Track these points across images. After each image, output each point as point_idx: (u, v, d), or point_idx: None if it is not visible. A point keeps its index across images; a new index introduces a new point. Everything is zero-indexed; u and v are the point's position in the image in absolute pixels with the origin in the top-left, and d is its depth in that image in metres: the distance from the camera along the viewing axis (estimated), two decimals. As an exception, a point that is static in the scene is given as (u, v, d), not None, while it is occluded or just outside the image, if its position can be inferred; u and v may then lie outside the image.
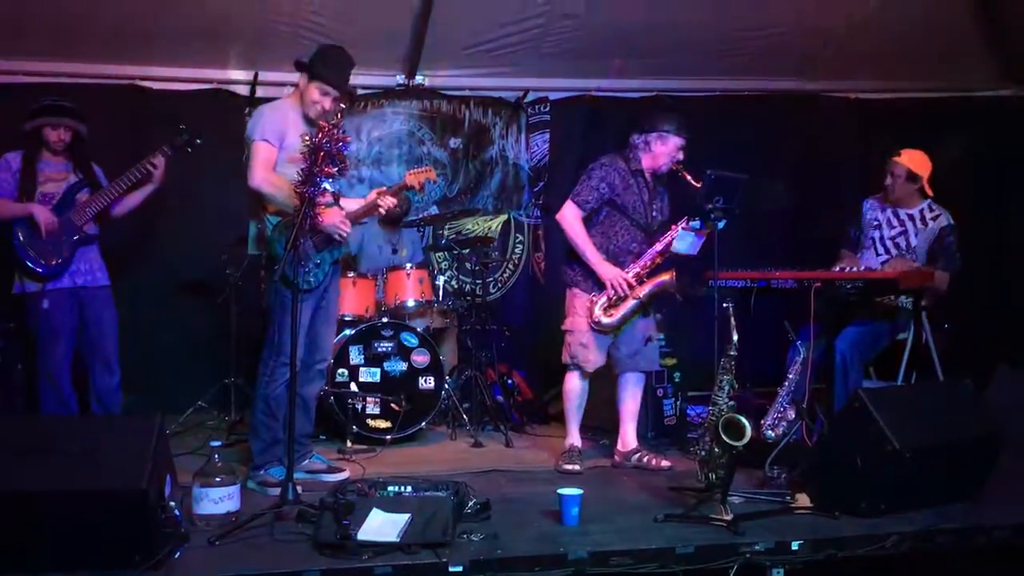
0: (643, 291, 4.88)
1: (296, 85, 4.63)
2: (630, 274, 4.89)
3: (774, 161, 7.33)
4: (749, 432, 3.86)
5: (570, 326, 5.06)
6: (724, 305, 4.33)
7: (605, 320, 4.93)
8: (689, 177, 4.87)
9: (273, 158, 4.46)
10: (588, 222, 5.05)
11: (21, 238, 4.97)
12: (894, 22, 6.23)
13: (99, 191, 5.13)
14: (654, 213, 5.07)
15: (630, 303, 4.90)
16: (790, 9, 6.15)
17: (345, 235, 4.58)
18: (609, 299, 4.93)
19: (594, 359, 5.01)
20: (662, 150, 4.98)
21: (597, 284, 4.95)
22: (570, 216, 5.01)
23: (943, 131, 6.72)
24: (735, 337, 4.21)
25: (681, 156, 4.98)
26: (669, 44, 6.56)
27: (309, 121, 4.58)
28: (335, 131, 4.05)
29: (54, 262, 5.00)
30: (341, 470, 4.81)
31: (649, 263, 4.92)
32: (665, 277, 4.87)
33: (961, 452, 4.12)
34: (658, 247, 4.93)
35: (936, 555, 3.79)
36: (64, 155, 5.18)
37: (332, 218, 4.45)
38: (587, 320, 4.97)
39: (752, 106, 7.39)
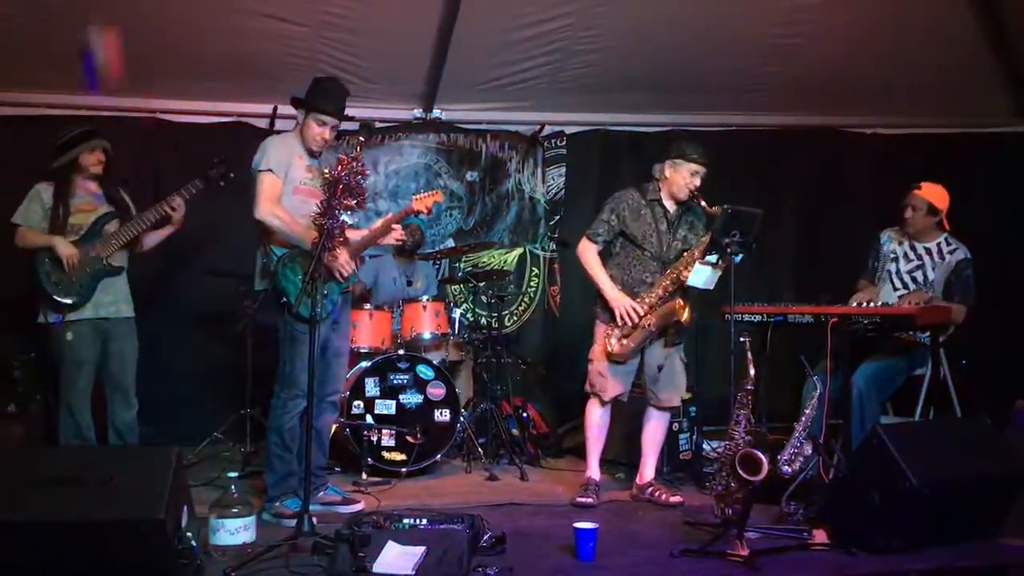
0: (652, 320, 4.89)
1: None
2: (643, 304, 4.91)
3: (790, 195, 7.35)
4: (766, 467, 3.85)
5: (591, 355, 5.10)
6: (740, 339, 4.33)
7: (617, 349, 4.95)
8: (704, 203, 4.88)
9: (278, 189, 4.52)
10: (607, 255, 5.12)
11: (45, 269, 4.98)
12: (910, 58, 6.25)
13: (126, 224, 5.15)
14: (674, 242, 5.05)
15: (641, 333, 4.91)
16: (806, 46, 6.18)
17: (344, 277, 4.62)
18: (621, 329, 4.95)
19: (611, 389, 5.02)
20: (675, 177, 4.99)
21: (614, 315, 4.98)
22: (583, 250, 5.12)
23: (958, 166, 6.74)
24: (752, 371, 4.21)
25: (696, 183, 4.97)
26: (686, 80, 6.60)
27: (313, 154, 4.63)
28: (354, 164, 4.09)
29: (77, 294, 5.00)
30: (356, 501, 4.82)
31: (661, 292, 4.92)
32: (670, 306, 4.87)
33: (979, 489, 4.09)
34: (670, 276, 4.93)
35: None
36: (96, 185, 5.21)
37: (338, 257, 4.49)
38: (603, 349, 5.00)
39: (768, 141, 7.42)
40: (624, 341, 4.95)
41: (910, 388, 5.28)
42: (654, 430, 5.16)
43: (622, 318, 4.91)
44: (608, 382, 5.02)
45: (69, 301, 4.99)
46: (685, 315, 4.82)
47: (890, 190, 5.86)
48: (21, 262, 5.07)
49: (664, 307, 4.87)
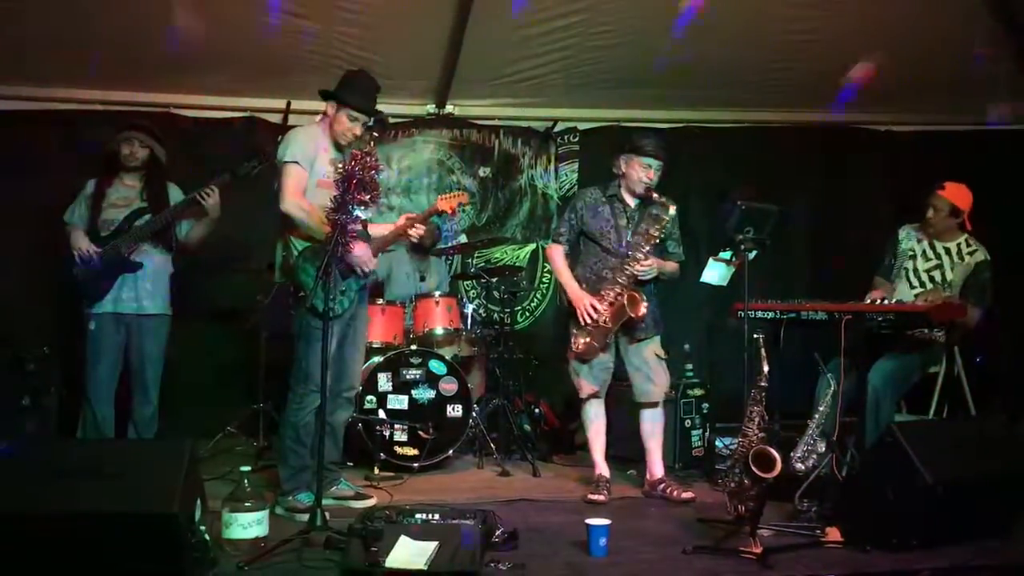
0: (608, 316, 4.89)
1: (325, 112, 4.69)
2: (603, 301, 4.91)
3: (804, 192, 7.33)
4: (779, 464, 3.84)
5: (567, 355, 5.14)
6: (754, 336, 4.32)
7: (582, 348, 5.00)
8: (655, 195, 4.91)
9: (304, 182, 4.50)
10: (575, 254, 5.19)
11: (75, 262, 5.11)
12: (925, 55, 6.21)
13: (148, 221, 5.18)
14: (634, 237, 5.01)
15: (600, 330, 4.93)
16: (821, 42, 6.14)
17: (367, 271, 4.63)
18: (583, 328, 4.97)
19: (586, 387, 5.08)
20: (630, 172, 5.02)
21: None
22: (549, 251, 5.28)
23: (973, 164, 6.70)
24: (765, 368, 4.19)
25: (650, 176, 4.97)
26: (699, 76, 6.58)
27: (338, 147, 4.62)
28: (367, 159, 4.08)
29: (95, 287, 5.09)
30: (368, 496, 4.82)
31: (619, 288, 4.91)
32: (621, 302, 4.86)
33: (995, 487, 4.06)
34: (624, 271, 4.91)
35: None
36: (136, 179, 5.24)
37: (360, 251, 4.48)
38: (572, 348, 5.05)
39: (783, 137, 7.39)
40: (587, 340, 4.98)
41: (924, 386, 5.26)
42: (650, 428, 5.14)
43: (581, 316, 4.95)
44: (582, 380, 5.08)
45: (93, 297, 5.09)
46: (640, 310, 4.82)
47: (904, 187, 5.85)
48: (37, 256, 5.13)
49: (617, 303, 4.86)
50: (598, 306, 4.91)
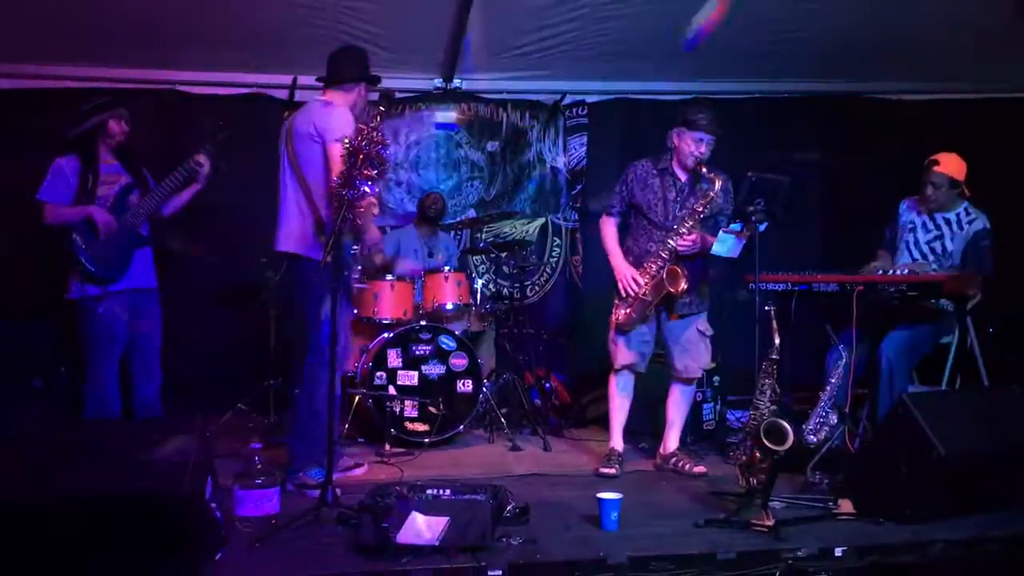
0: (648, 290, 4.88)
1: (339, 92, 4.69)
2: (645, 274, 4.90)
3: (815, 163, 7.27)
4: (791, 437, 3.82)
5: (610, 324, 5.11)
6: (765, 308, 4.30)
7: (621, 319, 4.98)
8: (704, 170, 4.86)
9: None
10: (625, 227, 5.14)
11: (80, 242, 4.91)
12: (937, 23, 6.14)
13: (149, 193, 5.11)
14: (681, 212, 4.97)
15: (640, 303, 4.91)
16: (831, 10, 6.07)
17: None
18: (625, 300, 4.96)
19: (622, 357, 5.04)
20: (681, 145, 4.96)
21: None
22: (601, 224, 5.20)
23: (985, 132, 6.64)
24: (777, 341, 4.17)
25: (701, 150, 4.90)
26: (708, 46, 6.50)
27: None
28: (374, 134, 4.05)
29: (114, 266, 4.96)
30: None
31: (660, 262, 4.89)
32: (659, 276, 4.85)
33: (1009, 458, 4.05)
34: (667, 245, 4.88)
35: (983, 563, 3.72)
36: (116, 156, 5.14)
37: (376, 234, 4.52)
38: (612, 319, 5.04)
39: (792, 108, 7.33)
40: (627, 311, 4.96)
41: (936, 357, 5.23)
42: (676, 401, 5.16)
43: (623, 288, 4.94)
44: (620, 351, 5.04)
45: (106, 273, 4.94)
46: (679, 285, 4.79)
47: (917, 157, 5.78)
48: (44, 236, 5.06)
49: (657, 277, 4.85)
50: (639, 279, 4.90)
